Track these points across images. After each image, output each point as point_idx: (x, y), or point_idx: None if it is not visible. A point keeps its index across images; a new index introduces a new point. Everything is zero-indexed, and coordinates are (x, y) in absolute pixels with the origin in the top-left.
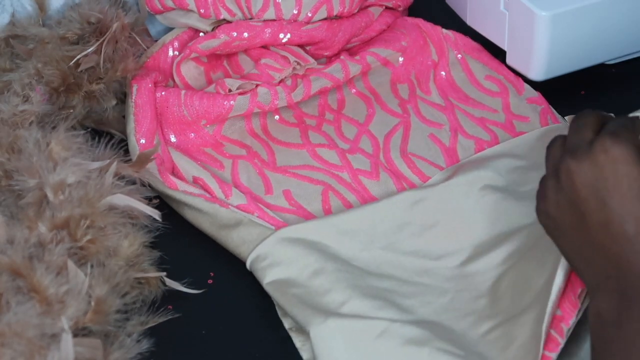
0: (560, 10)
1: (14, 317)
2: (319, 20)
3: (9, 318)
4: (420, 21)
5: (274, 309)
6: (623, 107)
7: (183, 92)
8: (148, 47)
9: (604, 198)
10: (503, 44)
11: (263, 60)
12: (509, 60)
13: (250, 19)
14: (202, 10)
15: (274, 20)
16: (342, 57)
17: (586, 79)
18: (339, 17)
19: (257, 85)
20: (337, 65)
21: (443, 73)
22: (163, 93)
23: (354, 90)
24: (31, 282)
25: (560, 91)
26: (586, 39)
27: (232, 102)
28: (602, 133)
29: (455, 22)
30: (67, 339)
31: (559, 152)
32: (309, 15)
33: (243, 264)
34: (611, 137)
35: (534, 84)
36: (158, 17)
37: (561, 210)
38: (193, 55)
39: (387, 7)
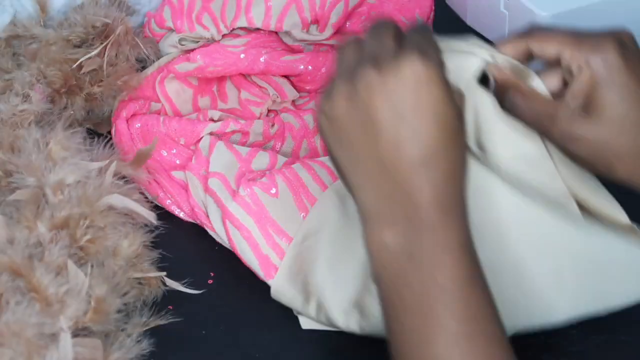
0: (560, 10)
1: (13, 317)
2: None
3: (7, 318)
4: None
5: (274, 309)
6: None
7: (162, 118)
8: (149, 51)
9: (402, 116)
10: None
11: (243, 95)
12: None
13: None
14: (178, 22)
15: (251, 47)
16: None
17: None
18: (325, 49)
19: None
20: (310, 116)
21: None
22: (138, 125)
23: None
24: (31, 282)
25: None
26: None
27: (207, 124)
28: (408, 46)
29: (455, 22)
30: (66, 339)
31: (354, 54)
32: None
33: (243, 264)
34: (420, 54)
35: None
36: (160, 45)
37: (351, 119)
38: (170, 75)
39: None
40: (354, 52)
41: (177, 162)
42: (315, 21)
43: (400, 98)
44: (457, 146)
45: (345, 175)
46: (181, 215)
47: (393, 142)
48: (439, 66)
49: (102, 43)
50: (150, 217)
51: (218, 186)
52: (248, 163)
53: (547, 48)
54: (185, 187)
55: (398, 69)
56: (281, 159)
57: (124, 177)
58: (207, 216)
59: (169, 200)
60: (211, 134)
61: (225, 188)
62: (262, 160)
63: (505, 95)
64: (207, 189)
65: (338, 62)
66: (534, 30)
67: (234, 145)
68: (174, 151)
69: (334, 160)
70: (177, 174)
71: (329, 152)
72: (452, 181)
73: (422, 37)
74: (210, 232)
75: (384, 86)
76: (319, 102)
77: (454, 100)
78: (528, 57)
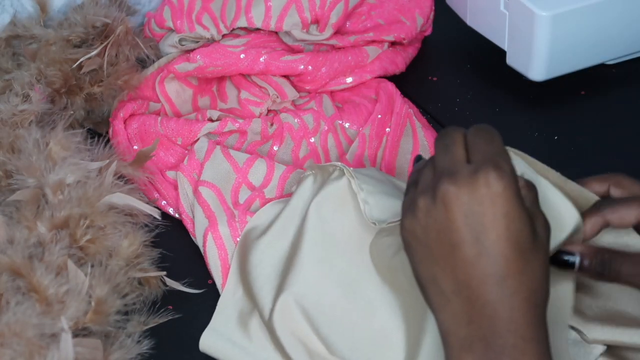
0: (560, 10)
1: (14, 317)
2: (301, 39)
3: (8, 318)
4: (398, 107)
5: None
6: (623, 107)
7: (159, 118)
8: (149, 51)
9: (478, 233)
10: (503, 44)
11: (243, 95)
12: (509, 61)
13: (224, 35)
14: (178, 22)
15: (251, 47)
16: (321, 106)
17: (586, 79)
18: (325, 49)
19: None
20: (309, 116)
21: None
22: (135, 126)
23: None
24: (31, 282)
25: (560, 91)
26: (586, 39)
27: (204, 124)
28: (482, 159)
29: (455, 22)
30: (67, 339)
31: (430, 171)
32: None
33: None
34: (495, 170)
35: (534, 84)
36: (160, 45)
37: (429, 234)
38: (170, 75)
39: (392, 43)
40: (430, 169)
41: (172, 160)
42: (315, 21)
43: (474, 212)
44: (534, 268)
45: (427, 294)
46: (177, 216)
47: (467, 259)
48: (513, 181)
49: (102, 43)
50: (154, 212)
51: (212, 199)
52: (245, 174)
53: (629, 216)
54: (177, 188)
55: (474, 183)
56: (279, 168)
57: (123, 177)
58: (194, 223)
59: (164, 202)
60: (209, 134)
61: (220, 203)
62: (259, 169)
63: (608, 263)
64: (198, 196)
65: (417, 176)
66: (608, 205)
67: (231, 152)
68: (171, 151)
69: (416, 277)
70: (172, 174)
71: (412, 269)
72: (529, 304)
73: (493, 147)
74: (192, 236)
75: (459, 200)
76: (403, 218)
77: (528, 218)
78: (602, 229)
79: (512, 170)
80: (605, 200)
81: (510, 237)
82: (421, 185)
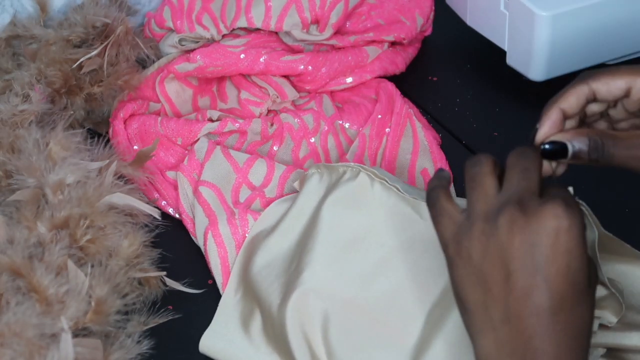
0: (560, 10)
1: (14, 317)
2: (301, 39)
3: (8, 318)
4: (398, 107)
5: None
6: None
7: (159, 118)
8: (149, 51)
9: (538, 265)
10: (503, 44)
11: (243, 95)
12: (509, 61)
13: (224, 35)
14: (178, 23)
15: (251, 47)
16: (321, 107)
17: None
18: (325, 49)
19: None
20: (309, 116)
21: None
22: (135, 126)
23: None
24: (31, 282)
25: None
26: (586, 39)
27: (204, 124)
28: (555, 195)
29: (455, 22)
30: (67, 339)
31: (493, 186)
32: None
33: None
34: (565, 206)
35: (534, 84)
36: (160, 45)
37: (485, 259)
38: (170, 76)
39: (392, 43)
40: (491, 178)
41: (172, 161)
42: (315, 21)
43: (538, 243)
44: (584, 310)
45: (470, 318)
46: (177, 216)
47: (522, 289)
48: (580, 221)
49: (102, 43)
50: (154, 212)
51: (212, 198)
52: (245, 174)
53: (615, 83)
54: (177, 188)
55: (542, 214)
56: (279, 168)
57: (123, 177)
58: (194, 223)
59: (164, 202)
60: (209, 134)
61: (220, 203)
62: (259, 169)
63: (601, 146)
64: (198, 196)
65: (472, 187)
66: (592, 73)
67: (231, 152)
68: (171, 151)
69: (460, 299)
70: (172, 174)
71: (456, 290)
72: (575, 343)
73: (565, 191)
74: (192, 236)
75: (524, 227)
76: (455, 236)
77: (588, 260)
78: (587, 102)
79: (581, 211)
80: (589, 71)
81: (569, 274)
82: (486, 203)
